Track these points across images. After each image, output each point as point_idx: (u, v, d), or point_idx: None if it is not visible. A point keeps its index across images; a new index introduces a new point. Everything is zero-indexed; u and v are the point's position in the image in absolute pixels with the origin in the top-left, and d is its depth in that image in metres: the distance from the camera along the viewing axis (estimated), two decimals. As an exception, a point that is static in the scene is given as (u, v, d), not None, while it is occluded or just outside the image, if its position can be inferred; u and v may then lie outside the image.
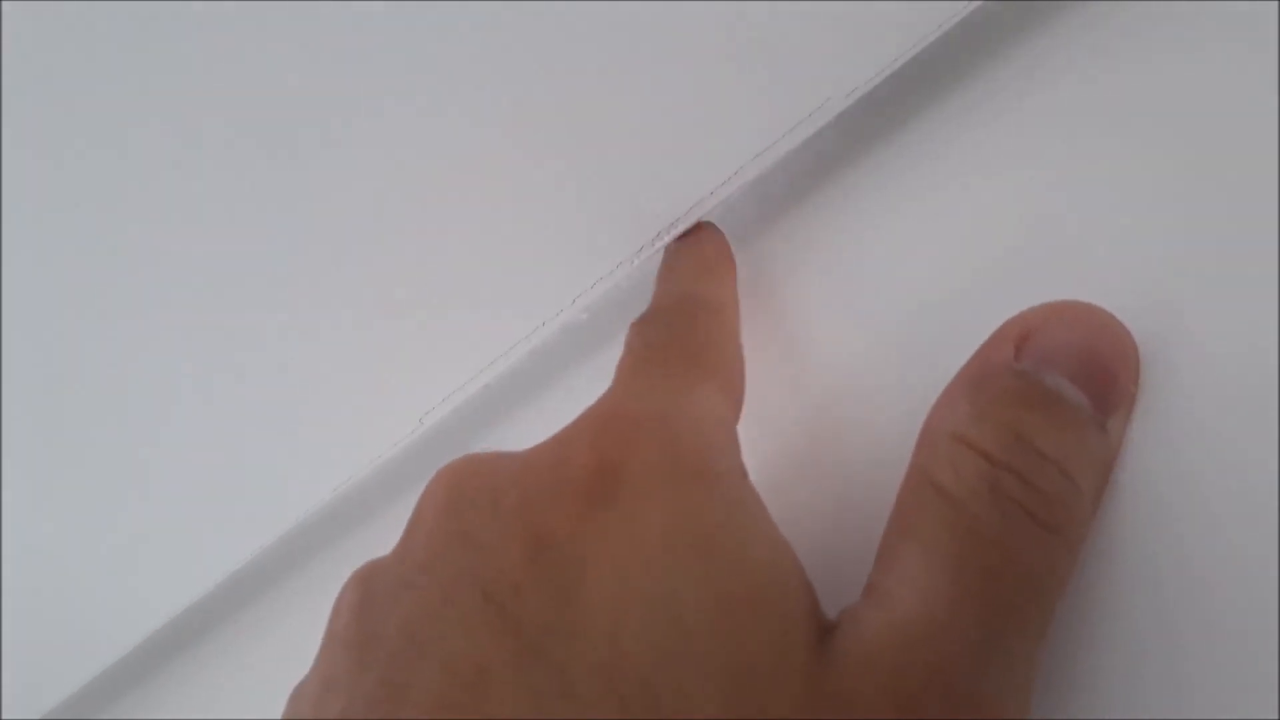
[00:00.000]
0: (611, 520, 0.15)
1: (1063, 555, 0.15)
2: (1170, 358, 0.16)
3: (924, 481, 0.16)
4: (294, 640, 0.32)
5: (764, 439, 0.21)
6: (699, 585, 0.14)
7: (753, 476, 0.17)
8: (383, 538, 0.30)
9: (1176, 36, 0.18)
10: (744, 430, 0.19)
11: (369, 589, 0.17)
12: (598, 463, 0.16)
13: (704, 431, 0.17)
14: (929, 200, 0.21)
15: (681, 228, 0.23)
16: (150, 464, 0.30)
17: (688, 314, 0.20)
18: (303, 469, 0.28)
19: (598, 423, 0.17)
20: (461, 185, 0.23)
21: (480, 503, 0.16)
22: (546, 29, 0.20)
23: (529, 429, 0.27)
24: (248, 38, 0.22)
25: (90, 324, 0.27)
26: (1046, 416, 0.16)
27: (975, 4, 0.19)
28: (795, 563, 0.16)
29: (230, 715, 0.32)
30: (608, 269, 0.23)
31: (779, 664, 0.14)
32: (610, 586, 0.14)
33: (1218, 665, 0.15)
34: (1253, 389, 0.15)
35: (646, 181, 0.22)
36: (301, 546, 0.31)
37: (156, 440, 0.29)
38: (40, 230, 0.26)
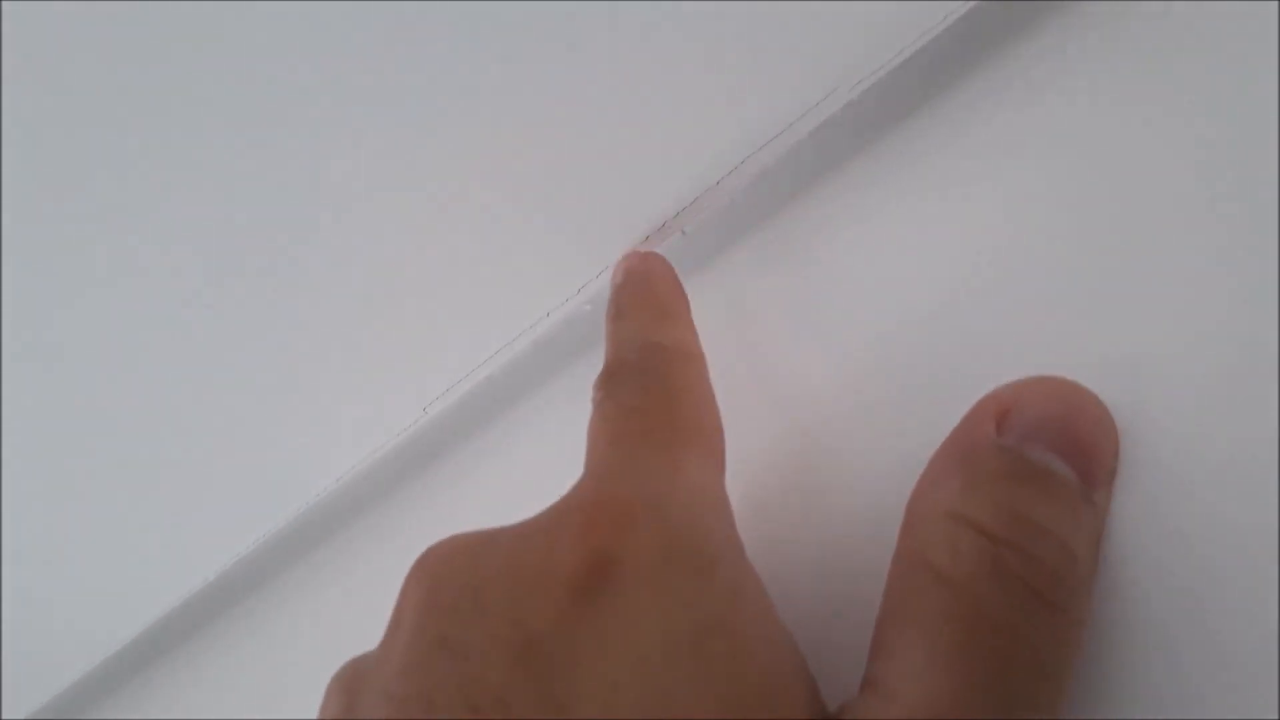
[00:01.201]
0: (603, 620, 0.14)
1: (1070, 634, 0.15)
2: (1146, 430, 0.16)
3: (919, 564, 0.15)
4: (295, 631, 0.32)
5: (754, 470, 0.21)
6: (696, 689, 0.14)
7: (741, 515, 0.17)
8: (385, 528, 0.30)
9: (1184, 42, 0.18)
10: (737, 464, 0.18)
11: (352, 698, 0.16)
12: (588, 556, 0.15)
13: (698, 514, 0.16)
14: (910, 217, 0.20)
15: (685, 219, 0.23)
16: (154, 455, 0.30)
17: (657, 368, 0.19)
18: (307, 458, 0.28)
19: (586, 510, 0.16)
20: (466, 177, 0.23)
21: (462, 605, 0.15)
22: (552, 22, 0.20)
23: (531, 420, 0.27)
24: (249, 35, 0.22)
25: (94, 315, 0.27)
26: (1039, 490, 0.15)
27: (969, 4, 0.19)
28: (796, 653, 0.15)
29: (233, 706, 0.32)
30: (612, 259, 0.23)
31: None
32: (603, 693, 0.14)
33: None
34: (1234, 458, 0.15)
35: (651, 173, 0.22)
36: (305, 535, 0.32)
37: (161, 431, 0.29)
38: (40, 219, 0.25)
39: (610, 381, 0.19)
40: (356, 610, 0.29)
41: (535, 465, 0.26)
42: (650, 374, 0.19)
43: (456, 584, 0.16)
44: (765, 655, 0.15)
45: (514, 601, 0.15)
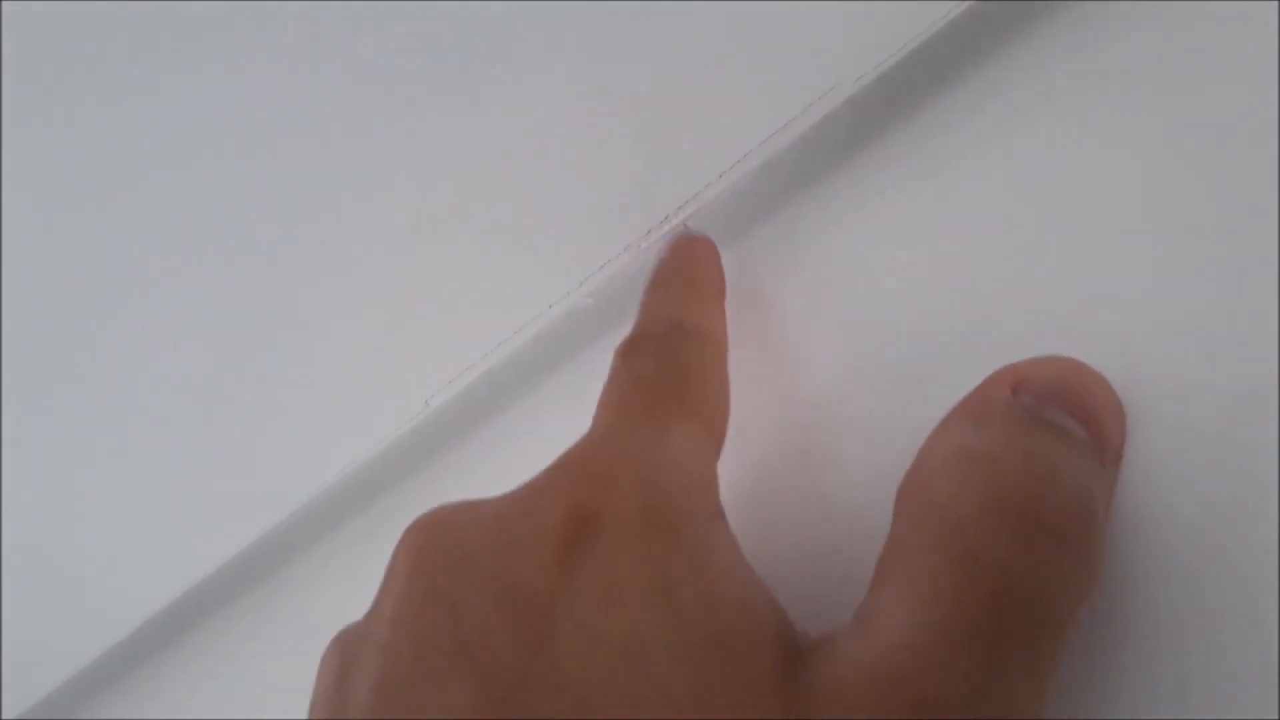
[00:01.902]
0: (584, 569, 0.15)
1: (1076, 571, 0.14)
2: (1147, 422, 0.16)
3: (921, 501, 0.15)
4: (292, 626, 0.32)
5: (757, 458, 0.21)
6: (667, 631, 0.15)
7: (744, 497, 0.17)
8: (387, 521, 0.30)
9: (1198, 40, 0.18)
10: (740, 451, 0.19)
11: (346, 653, 0.17)
12: (573, 512, 0.16)
13: (680, 477, 0.17)
14: (913, 211, 0.20)
15: (688, 213, 0.23)
16: (154, 448, 0.30)
17: (676, 345, 0.20)
18: (309, 451, 0.28)
19: (574, 469, 0.17)
20: (469, 171, 0.23)
21: (451, 564, 0.16)
22: (555, 17, 0.20)
23: (532, 414, 0.27)
24: (255, 33, 0.22)
25: (95, 303, 0.27)
26: (1055, 438, 0.15)
27: (970, 2, 0.19)
28: (765, 596, 0.16)
29: (239, 697, 0.32)
30: (614, 253, 0.23)
31: (751, 700, 0.14)
32: (581, 636, 0.15)
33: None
34: (1235, 453, 0.15)
35: (654, 167, 0.22)
36: (307, 529, 0.32)
37: (161, 424, 0.29)
38: (40, 220, 0.26)
39: (629, 350, 0.20)
40: (359, 603, 0.29)
41: (537, 458, 0.26)
42: (667, 349, 0.20)
43: (445, 544, 0.17)
44: (734, 602, 0.15)
45: (500, 553, 0.16)
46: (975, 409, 0.16)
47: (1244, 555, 0.15)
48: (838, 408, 0.20)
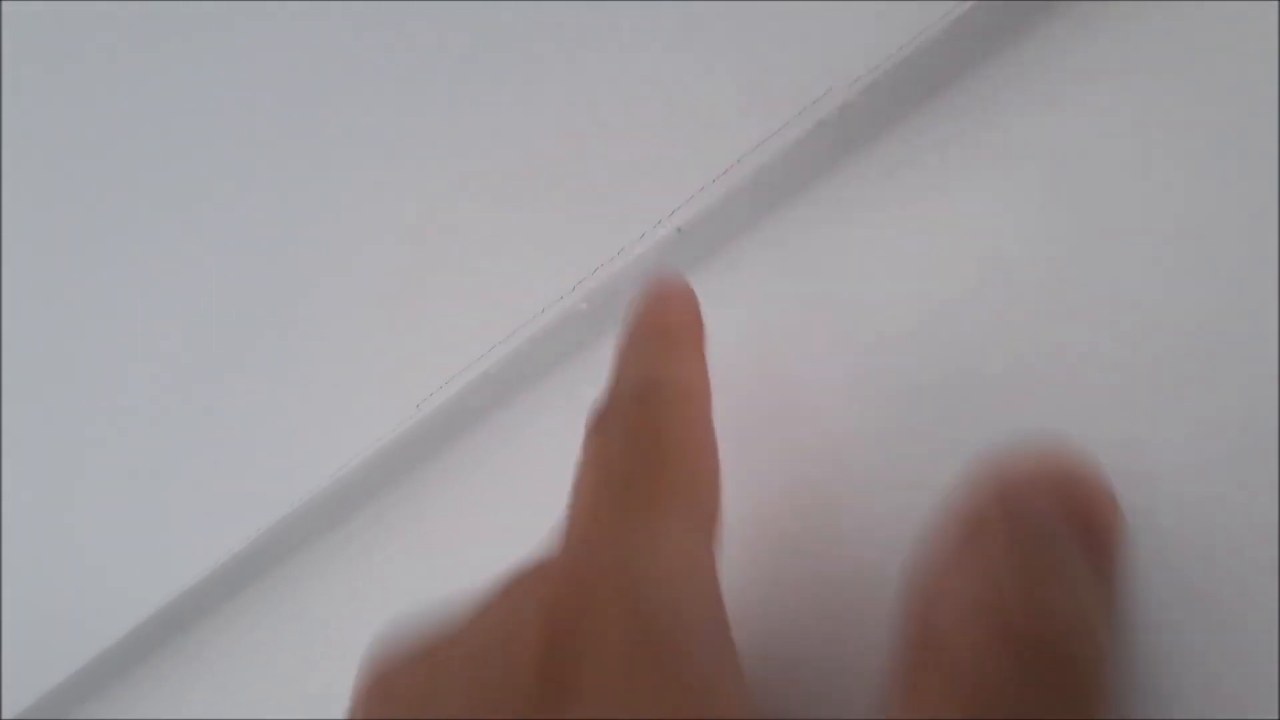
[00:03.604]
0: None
1: (1091, 702, 0.14)
2: (1149, 440, 0.16)
3: (926, 636, 0.15)
4: (292, 624, 0.32)
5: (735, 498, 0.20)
6: None
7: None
8: (377, 526, 0.30)
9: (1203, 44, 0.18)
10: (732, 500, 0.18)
11: None
12: (551, 643, 0.14)
13: (675, 595, 0.15)
14: (908, 218, 0.20)
15: (681, 216, 0.22)
16: (153, 448, 0.30)
17: (652, 411, 0.18)
18: (299, 456, 0.28)
19: (551, 589, 0.15)
20: (462, 175, 0.23)
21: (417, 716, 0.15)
22: (548, 21, 0.20)
23: (525, 418, 0.27)
24: (253, 33, 0.22)
25: (95, 306, 0.27)
26: (1052, 556, 0.14)
27: (969, 4, 0.19)
28: None
29: (237, 696, 0.32)
30: (607, 256, 0.23)
31: None
32: None
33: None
34: (1237, 458, 0.15)
35: (647, 169, 0.22)
36: (297, 532, 0.32)
37: (159, 425, 0.29)
38: (39, 220, 0.26)
39: (601, 420, 0.18)
40: (352, 604, 0.29)
41: (528, 463, 0.26)
42: (642, 418, 0.18)
43: (408, 696, 0.15)
44: None
45: (473, 706, 0.14)
46: (968, 526, 0.15)
47: (1244, 561, 0.15)
48: (834, 416, 0.20)
